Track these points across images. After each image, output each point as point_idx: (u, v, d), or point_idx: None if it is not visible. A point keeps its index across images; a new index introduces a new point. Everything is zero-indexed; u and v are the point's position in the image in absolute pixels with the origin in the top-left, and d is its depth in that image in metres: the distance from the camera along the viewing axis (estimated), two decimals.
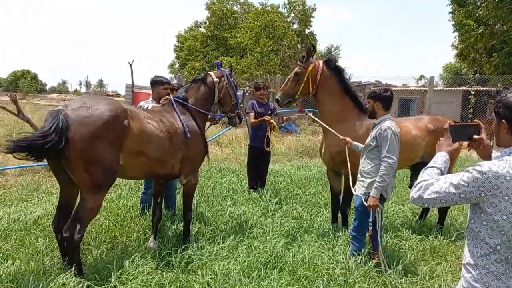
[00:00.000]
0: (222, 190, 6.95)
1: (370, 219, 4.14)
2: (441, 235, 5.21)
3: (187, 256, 4.17)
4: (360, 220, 4.24)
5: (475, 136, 2.18)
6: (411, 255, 4.53)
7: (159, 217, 4.72)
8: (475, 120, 2.26)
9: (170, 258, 4.07)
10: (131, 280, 3.57)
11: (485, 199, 1.86)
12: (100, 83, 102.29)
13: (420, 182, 2.02)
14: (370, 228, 4.14)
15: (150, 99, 5.52)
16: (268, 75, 22.58)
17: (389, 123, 4.14)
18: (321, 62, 5.20)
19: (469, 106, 19.78)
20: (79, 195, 3.66)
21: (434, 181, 1.97)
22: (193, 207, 5.12)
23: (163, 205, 5.05)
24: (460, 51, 20.15)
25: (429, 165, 2.12)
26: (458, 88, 21.62)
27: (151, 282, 3.57)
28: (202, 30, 34.60)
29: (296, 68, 5.22)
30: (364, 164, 4.30)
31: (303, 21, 29.21)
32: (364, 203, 4.11)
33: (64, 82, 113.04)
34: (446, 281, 3.92)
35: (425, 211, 5.98)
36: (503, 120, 1.95)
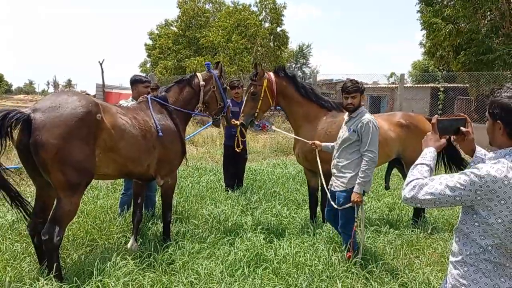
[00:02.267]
0: (201, 190, 6.92)
1: (356, 215, 4.09)
2: (418, 228, 5.33)
3: (168, 256, 4.13)
4: (346, 217, 4.16)
5: (463, 129, 2.18)
6: (390, 249, 4.61)
7: (139, 219, 4.66)
8: (461, 114, 2.28)
9: (151, 259, 4.02)
10: (113, 282, 3.50)
11: (481, 202, 1.85)
12: (69, 83, 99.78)
13: (412, 180, 1.98)
14: (356, 224, 4.08)
15: (130, 98, 5.46)
16: (241, 73, 22.49)
17: (369, 116, 4.07)
18: (271, 74, 5.26)
19: (438, 103, 20.28)
20: (56, 197, 3.57)
21: (428, 181, 1.93)
22: (172, 207, 5.07)
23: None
24: (428, 49, 20.57)
25: (417, 161, 2.08)
26: (427, 85, 22.15)
27: (133, 284, 3.52)
28: (174, 29, 34.17)
29: (252, 88, 5.25)
30: (341, 159, 4.20)
31: (274, 20, 29.23)
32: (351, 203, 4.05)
33: (31, 83, 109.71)
34: (426, 273, 4.01)
35: (420, 211, 5.69)
36: (498, 121, 1.92)
